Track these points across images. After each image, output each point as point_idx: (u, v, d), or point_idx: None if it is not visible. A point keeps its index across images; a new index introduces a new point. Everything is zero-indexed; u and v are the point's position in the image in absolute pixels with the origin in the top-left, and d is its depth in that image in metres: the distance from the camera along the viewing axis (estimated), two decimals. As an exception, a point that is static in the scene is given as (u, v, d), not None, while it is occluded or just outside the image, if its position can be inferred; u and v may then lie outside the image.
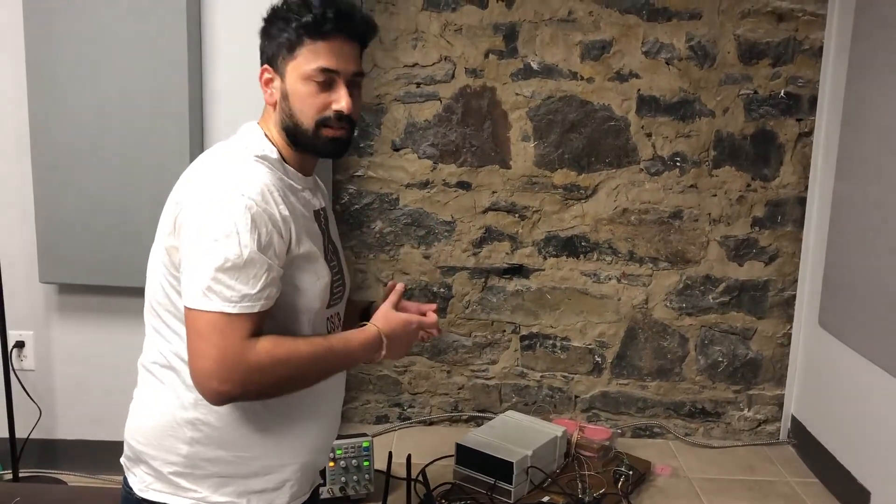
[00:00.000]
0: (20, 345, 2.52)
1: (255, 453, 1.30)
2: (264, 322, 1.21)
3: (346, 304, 1.55)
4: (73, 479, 2.53)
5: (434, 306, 1.49)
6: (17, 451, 2.45)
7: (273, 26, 1.29)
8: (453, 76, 2.82)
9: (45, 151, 2.32)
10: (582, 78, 2.81)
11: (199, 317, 1.17)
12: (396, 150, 2.87)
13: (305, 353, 1.24)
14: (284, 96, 1.29)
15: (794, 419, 2.93)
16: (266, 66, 1.31)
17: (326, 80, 1.27)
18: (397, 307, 1.41)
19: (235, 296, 1.16)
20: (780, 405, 2.98)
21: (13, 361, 2.49)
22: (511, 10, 2.78)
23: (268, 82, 1.31)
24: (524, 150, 2.86)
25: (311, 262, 1.30)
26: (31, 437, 2.52)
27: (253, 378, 1.18)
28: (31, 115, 2.31)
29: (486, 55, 2.81)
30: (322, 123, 1.28)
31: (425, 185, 2.89)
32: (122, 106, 2.28)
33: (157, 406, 1.31)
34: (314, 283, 1.31)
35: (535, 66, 2.81)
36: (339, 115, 1.28)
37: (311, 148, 1.32)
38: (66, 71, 2.27)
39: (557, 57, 2.80)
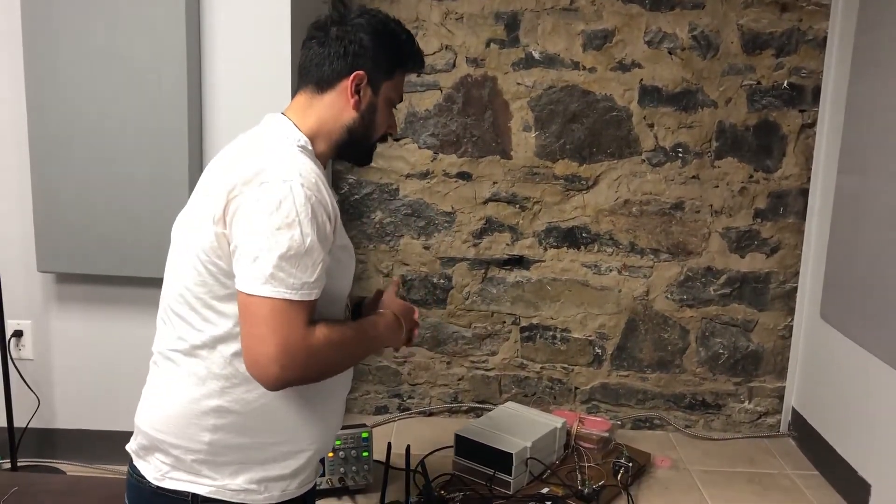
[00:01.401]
0: (18, 334, 2.52)
1: (277, 439, 1.33)
2: (313, 314, 1.25)
3: None
4: (72, 468, 2.52)
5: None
6: (16, 440, 2.45)
7: (384, 43, 1.38)
8: (454, 65, 2.81)
9: (43, 141, 2.30)
10: (584, 68, 2.79)
11: (260, 303, 1.18)
12: (396, 140, 2.86)
13: (351, 338, 1.32)
14: (372, 108, 1.40)
15: (794, 411, 2.93)
16: (362, 73, 1.36)
17: (394, 106, 1.45)
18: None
19: (297, 283, 1.19)
20: (781, 397, 2.97)
21: (11, 351, 2.48)
22: (513, -1, 2.76)
23: (357, 87, 1.36)
24: (525, 141, 2.84)
25: (345, 251, 1.36)
26: (29, 426, 2.51)
27: (312, 362, 1.22)
28: (29, 104, 2.29)
29: (488, 44, 2.79)
30: (380, 140, 1.46)
31: (425, 175, 2.87)
32: (120, 95, 2.27)
33: (178, 394, 1.31)
34: (347, 270, 1.39)
35: (536, 55, 2.79)
36: (391, 135, 1.49)
37: (356, 154, 1.46)
38: (63, 59, 2.26)
39: (559, 46, 2.78)
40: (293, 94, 1.43)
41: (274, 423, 1.32)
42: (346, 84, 1.36)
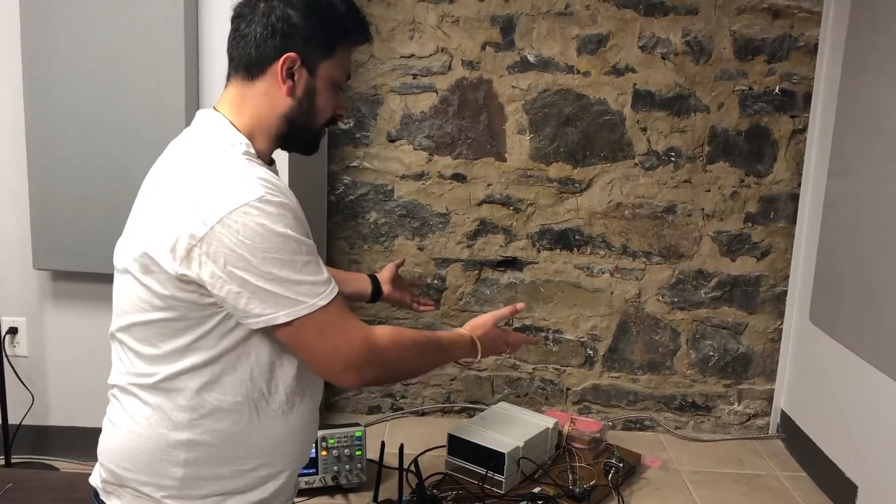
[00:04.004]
0: (13, 331, 2.52)
1: (254, 464, 1.26)
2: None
3: (347, 275, 1.84)
4: (66, 465, 2.53)
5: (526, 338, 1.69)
6: (10, 437, 2.45)
7: (318, 17, 1.22)
8: (450, 68, 2.82)
9: (40, 138, 2.31)
10: (578, 72, 2.81)
11: (301, 326, 1.15)
12: (392, 141, 2.87)
13: (421, 342, 1.34)
14: (310, 93, 1.25)
15: (783, 414, 2.96)
16: (294, 54, 1.22)
17: (339, 86, 1.30)
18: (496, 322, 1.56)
19: (320, 288, 1.16)
20: (770, 400, 3.00)
21: (6, 348, 2.49)
22: (508, 3, 2.78)
23: (289, 71, 1.22)
24: (520, 143, 2.86)
25: None
26: (23, 423, 2.51)
27: (385, 360, 1.23)
28: (27, 102, 2.30)
29: (483, 47, 2.81)
30: (325, 125, 1.32)
31: (420, 176, 2.89)
32: (117, 93, 2.27)
33: (143, 429, 1.22)
34: None
35: (531, 59, 2.81)
36: (338, 118, 1.34)
37: (302, 144, 1.33)
38: (62, 58, 2.26)
39: (554, 50, 2.80)
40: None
41: (249, 448, 1.25)
42: (277, 69, 1.21)
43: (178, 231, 1.12)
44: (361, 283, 1.84)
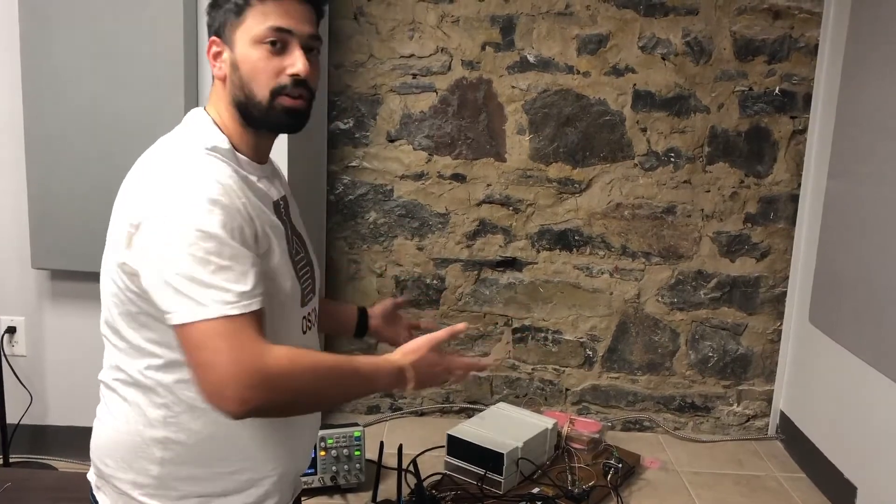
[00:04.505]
0: (11, 330, 2.52)
1: (233, 468, 1.21)
2: (263, 326, 1.09)
3: (336, 306, 1.63)
4: (64, 464, 2.52)
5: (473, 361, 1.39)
6: (8, 436, 2.45)
7: None
8: (450, 68, 2.82)
9: (38, 137, 2.31)
10: (578, 72, 2.81)
11: (196, 330, 1.04)
12: (392, 141, 2.87)
13: (329, 366, 1.15)
14: (234, 66, 1.18)
15: (782, 415, 2.95)
16: (214, 37, 1.20)
17: (279, 43, 1.17)
18: (436, 346, 1.30)
19: (231, 296, 1.05)
20: (769, 401, 3.00)
21: (5, 347, 2.48)
22: (508, 3, 2.77)
23: (216, 56, 1.21)
24: (519, 144, 2.86)
25: (273, 262, 1.19)
26: (21, 422, 2.51)
27: (277, 384, 1.06)
28: (25, 101, 2.30)
29: (483, 47, 2.81)
30: (277, 92, 1.18)
31: (420, 176, 2.89)
32: (116, 92, 2.27)
33: (122, 425, 1.21)
34: (282, 284, 1.21)
35: (531, 59, 2.81)
36: (296, 80, 1.17)
37: (265, 123, 1.21)
38: (60, 56, 2.26)
39: (554, 50, 2.80)
40: None
41: (227, 450, 1.20)
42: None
43: (123, 220, 1.13)
44: (343, 315, 1.63)
